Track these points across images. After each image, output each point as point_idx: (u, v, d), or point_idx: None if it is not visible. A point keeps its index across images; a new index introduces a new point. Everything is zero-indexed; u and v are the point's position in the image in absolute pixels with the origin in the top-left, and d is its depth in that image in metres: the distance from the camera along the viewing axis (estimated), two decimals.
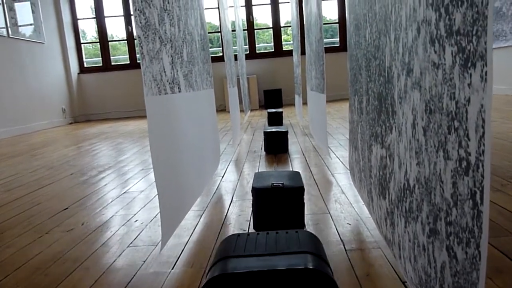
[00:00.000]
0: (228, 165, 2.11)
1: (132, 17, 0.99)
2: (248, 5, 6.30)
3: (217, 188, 1.68)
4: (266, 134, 2.32)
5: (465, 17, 0.38)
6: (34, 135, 4.71)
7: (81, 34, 6.45)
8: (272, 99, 5.98)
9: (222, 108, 6.27)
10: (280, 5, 6.34)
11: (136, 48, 5.86)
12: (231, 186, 1.69)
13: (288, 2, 6.30)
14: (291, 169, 1.90)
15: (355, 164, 1.17)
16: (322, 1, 6.51)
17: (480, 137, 0.36)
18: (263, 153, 2.39)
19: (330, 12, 6.63)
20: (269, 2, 6.33)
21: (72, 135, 4.37)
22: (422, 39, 0.51)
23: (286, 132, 2.32)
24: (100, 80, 6.37)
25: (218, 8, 2.25)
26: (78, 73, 6.35)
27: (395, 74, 0.65)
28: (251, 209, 1.35)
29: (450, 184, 0.44)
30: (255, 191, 1.10)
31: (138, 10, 0.87)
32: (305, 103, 6.02)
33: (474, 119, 0.37)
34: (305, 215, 1.23)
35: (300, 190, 1.09)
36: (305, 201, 1.25)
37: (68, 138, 4.09)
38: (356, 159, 1.15)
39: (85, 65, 6.46)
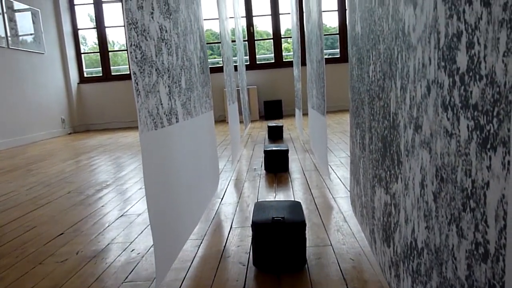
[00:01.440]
0: (227, 185, 2.08)
1: (128, 53, 0.95)
2: (249, 16, 6.30)
3: (216, 212, 1.64)
4: (266, 152, 2.29)
5: (484, 93, 0.35)
6: (32, 146, 4.68)
7: (81, 41, 6.44)
8: (273, 110, 5.96)
9: (222, 118, 6.25)
10: (280, 16, 6.34)
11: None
12: (231, 210, 1.65)
13: (289, 13, 6.30)
14: (291, 191, 1.87)
15: (357, 198, 1.14)
16: (323, 12, 6.52)
17: (501, 229, 0.33)
18: (263, 171, 2.35)
19: (331, 20, 6.62)
20: (270, 13, 6.33)
21: (70, 147, 4.34)
22: (432, 100, 0.47)
23: (286, 151, 2.29)
24: (100, 90, 6.35)
25: (219, 19, 2.23)
26: (78, 83, 6.34)
27: (401, 123, 0.62)
28: (250, 237, 1.31)
29: (464, 264, 0.41)
30: (255, 225, 1.06)
31: (134, 45, 0.84)
32: (305, 113, 6.00)
33: (494, 206, 0.34)
34: (307, 248, 1.20)
35: (302, 225, 1.05)
36: (306, 229, 1.21)
37: (66, 151, 4.06)
38: (357, 193, 1.11)
39: (85, 75, 6.44)
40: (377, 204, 0.83)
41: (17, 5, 5.05)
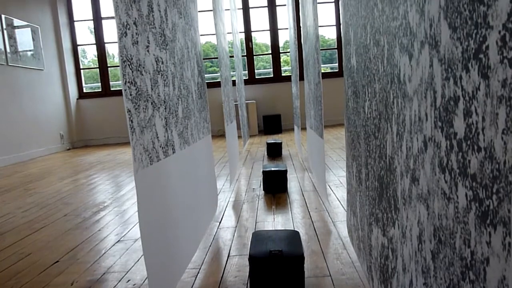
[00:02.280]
0: (225, 208, 2.06)
1: (122, 90, 0.94)
2: (247, 31, 6.34)
3: (214, 238, 1.62)
4: (265, 173, 2.28)
5: (483, 167, 0.34)
6: (30, 163, 4.66)
7: (81, 53, 6.48)
8: (272, 125, 5.96)
9: (221, 133, 6.24)
10: (279, 31, 6.38)
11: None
12: (229, 236, 1.63)
13: (287, 29, 6.34)
14: (290, 214, 1.85)
15: (354, 229, 1.12)
16: (320, 27, 6.55)
17: None
18: (262, 192, 2.34)
19: (329, 32, 6.66)
20: (268, 28, 6.38)
21: (68, 164, 4.32)
22: (429, 158, 0.46)
23: (285, 172, 2.28)
24: (99, 106, 6.36)
25: (216, 33, 2.24)
26: (77, 99, 6.35)
27: (397, 169, 0.61)
28: (248, 268, 1.29)
29: None
30: (252, 259, 1.05)
31: (129, 82, 0.84)
32: (304, 128, 6.00)
33: (494, 286, 0.33)
34: (305, 278, 1.18)
35: (300, 258, 1.03)
36: (305, 257, 1.19)
37: (64, 169, 4.04)
38: (354, 225, 1.10)
39: (84, 90, 6.46)
40: (374, 243, 0.82)
41: (16, 22, 5.08)
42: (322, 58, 6.73)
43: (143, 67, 0.93)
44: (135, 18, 0.91)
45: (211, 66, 7.10)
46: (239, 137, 5.45)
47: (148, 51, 0.98)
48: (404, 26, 0.55)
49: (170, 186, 1.08)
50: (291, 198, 2.15)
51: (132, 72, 0.86)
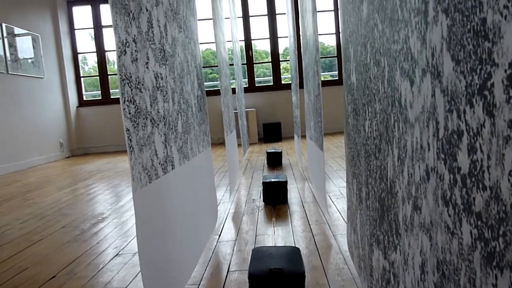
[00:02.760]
0: (225, 220, 2.04)
1: (121, 109, 0.93)
2: (247, 39, 6.35)
3: (213, 252, 1.61)
4: (265, 184, 2.26)
5: (489, 206, 0.33)
6: (30, 172, 4.65)
7: (82, 59, 6.49)
8: (272, 133, 5.95)
9: (221, 141, 6.23)
10: (279, 39, 6.40)
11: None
12: (229, 249, 1.62)
13: (287, 37, 6.36)
14: (290, 227, 1.83)
15: (354, 246, 1.11)
16: (320, 35, 6.57)
17: None
18: (262, 203, 2.32)
19: (329, 39, 6.67)
20: (268, 36, 6.39)
21: (68, 173, 4.31)
22: (432, 188, 0.45)
23: (285, 183, 2.26)
24: (99, 113, 6.36)
25: (216, 43, 2.24)
26: (77, 107, 6.35)
27: (399, 194, 0.60)
28: (248, 285, 1.27)
29: None
30: (252, 278, 1.03)
31: (128, 100, 0.83)
32: (304, 135, 5.99)
33: None
34: None
35: (301, 277, 1.02)
36: (305, 273, 1.18)
37: (63, 178, 4.03)
38: (355, 242, 1.08)
39: (84, 98, 6.46)
40: (375, 265, 0.80)
41: (17, 30, 5.10)
42: (322, 65, 6.74)
43: (142, 84, 0.93)
44: (135, 35, 0.90)
45: (211, 73, 7.11)
46: (239, 145, 5.44)
47: (147, 67, 0.97)
48: (405, 50, 0.54)
49: (169, 202, 1.07)
50: (291, 209, 2.14)
51: (131, 90, 0.85)
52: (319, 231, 1.75)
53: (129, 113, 0.84)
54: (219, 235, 1.81)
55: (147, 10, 1.00)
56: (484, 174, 0.34)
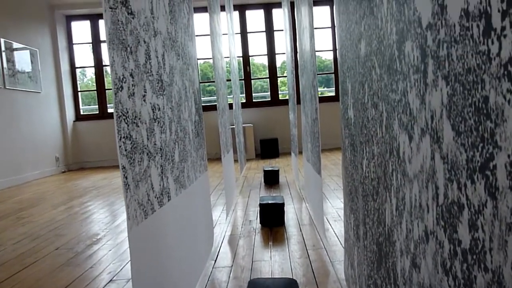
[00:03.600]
0: (221, 243, 2.02)
1: (117, 146, 0.93)
2: (245, 55, 6.39)
3: (209, 279, 1.58)
4: (262, 206, 2.25)
5: None
6: (25, 187, 4.61)
7: (80, 72, 6.50)
8: (269, 149, 5.95)
9: (218, 156, 6.22)
10: (276, 55, 6.44)
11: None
12: (224, 277, 1.59)
13: (284, 53, 6.40)
14: (287, 252, 1.82)
15: (351, 281, 1.09)
16: (317, 52, 6.61)
17: None
18: (259, 225, 2.30)
19: (326, 53, 6.70)
20: (266, 53, 6.44)
21: (63, 189, 4.28)
22: (431, 251, 0.45)
23: (282, 205, 2.25)
24: (96, 128, 6.34)
25: (213, 63, 2.24)
26: (74, 121, 6.33)
27: (397, 245, 0.59)
28: None
29: None
30: None
31: (124, 137, 0.82)
32: (301, 151, 5.98)
33: None
34: None
35: None
36: None
37: (58, 194, 4.00)
38: (352, 277, 1.07)
39: (82, 113, 6.45)
40: None
41: (16, 45, 5.11)
42: (319, 78, 6.77)
43: (139, 118, 0.92)
44: (132, 69, 0.90)
45: (209, 85, 7.11)
46: (236, 161, 5.42)
47: (144, 100, 0.96)
48: (403, 103, 0.54)
49: (165, 233, 1.05)
50: (288, 233, 2.12)
51: (128, 126, 0.85)
52: (317, 257, 1.73)
53: (125, 150, 0.83)
54: (215, 260, 1.78)
55: (145, 42, 1.00)
56: (486, 255, 0.33)
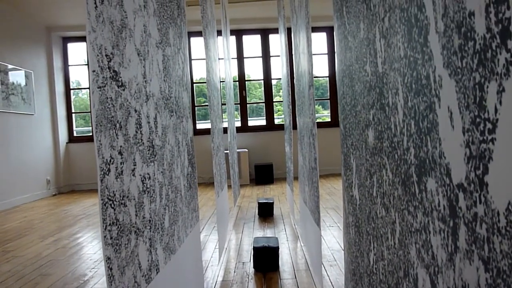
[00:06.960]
0: None
1: (101, 235, 0.87)
2: (241, 79, 6.38)
3: None
4: (256, 250, 2.18)
5: None
6: (13, 213, 4.50)
7: (73, 82, 6.46)
8: (263, 174, 5.89)
9: (211, 181, 6.15)
10: (272, 81, 6.44)
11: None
12: None
13: (280, 79, 6.41)
14: None
15: None
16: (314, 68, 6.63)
17: None
18: (252, 269, 2.23)
19: (321, 71, 6.69)
20: (262, 78, 6.44)
21: (52, 217, 4.17)
22: None
23: (276, 249, 2.18)
24: (89, 149, 6.26)
25: (211, 113, 2.20)
26: (67, 143, 6.25)
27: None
28: None
29: None
30: None
31: (110, 224, 0.76)
32: (296, 177, 5.93)
33: None
34: None
35: None
36: None
37: (47, 223, 3.89)
38: None
39: (75, 134, 6.38)
40: None
41: (10, 67, 5.06)
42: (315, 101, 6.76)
43: (127, 197, 0.86)
44: (120, 147, 0.85)
45: (204, 102, 7.03)
46: (229, 186, 5.35)
47: (133, 175, 0.91)
48: (425, 238, 0.49)
49: None
50: (282, 280, 2.05)
51: (114, 210, 0.79)
52: None
53: (111, 238, 0.77)
54: None
55: (136, 111, 0.95)
56: None
